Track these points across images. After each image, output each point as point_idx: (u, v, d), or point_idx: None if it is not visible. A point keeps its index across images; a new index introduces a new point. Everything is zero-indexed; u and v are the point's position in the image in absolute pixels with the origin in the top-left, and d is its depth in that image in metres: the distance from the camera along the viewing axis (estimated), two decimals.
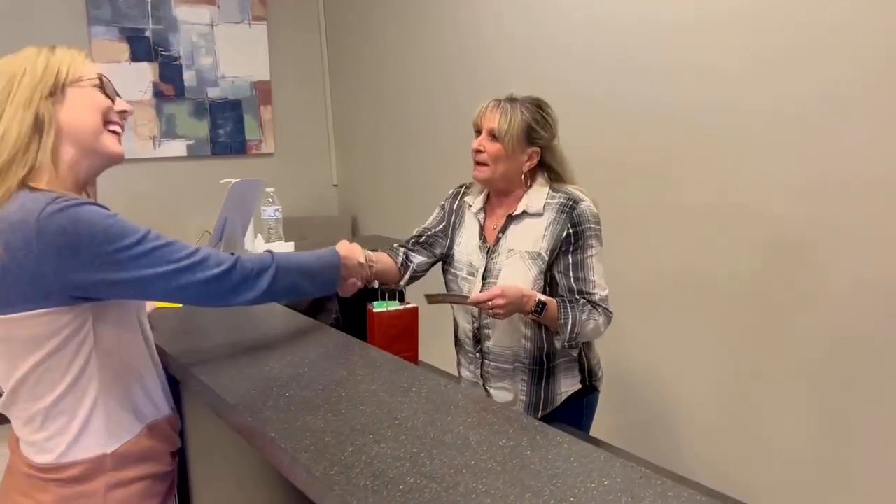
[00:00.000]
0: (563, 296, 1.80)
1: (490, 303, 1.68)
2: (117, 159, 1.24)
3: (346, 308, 2.67)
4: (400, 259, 1.99)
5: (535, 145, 1.81)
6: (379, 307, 2.06)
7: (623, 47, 2.58)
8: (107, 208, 1.15)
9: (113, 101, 1.24)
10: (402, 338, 2.11)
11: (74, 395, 1.16)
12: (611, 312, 1.80)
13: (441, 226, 2.02)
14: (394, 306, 2.09)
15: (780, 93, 2.11)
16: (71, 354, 1.14)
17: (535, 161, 1.82)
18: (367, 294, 2.13)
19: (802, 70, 2.05)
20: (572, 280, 1.78)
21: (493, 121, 1.79)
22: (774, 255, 2.18)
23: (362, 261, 1.67)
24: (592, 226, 1.78)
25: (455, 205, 2.01)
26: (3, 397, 1.18)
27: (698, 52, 2.32)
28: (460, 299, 1.83)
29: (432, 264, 2.02)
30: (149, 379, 1.28)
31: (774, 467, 2.25)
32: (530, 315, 1.74)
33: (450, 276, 1.98)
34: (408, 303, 2.13)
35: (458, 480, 0.91)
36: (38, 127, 1.13)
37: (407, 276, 1.99)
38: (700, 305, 2.42)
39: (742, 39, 2.19)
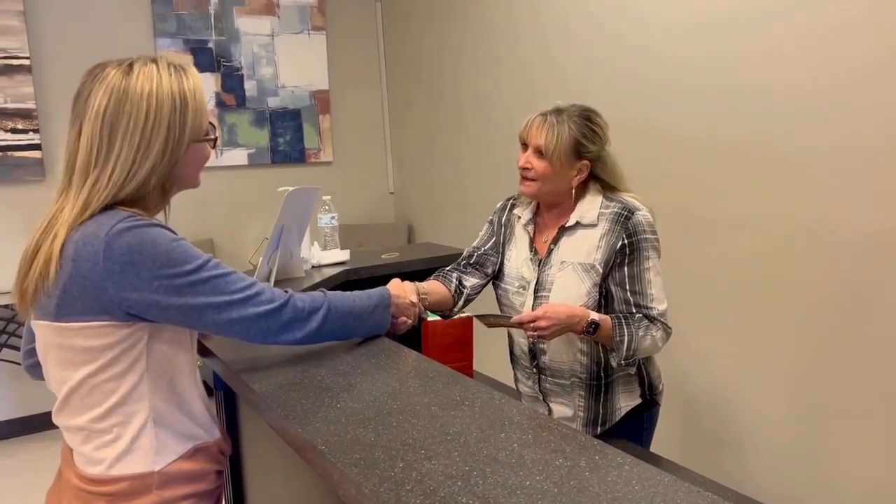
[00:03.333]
0: (618, 310, 1.73)
1: (533, 324, 1.62)
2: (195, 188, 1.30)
3: None
4: (453, 285, 1.94)
5: (584, 159, 1.74)
6: (433, 316, 2.03)
7: (696, 48, 2.50)
8: (174, 232, 1.17)
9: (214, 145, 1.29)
10: (457, 347, 2.07)
11: (125, 410, 1.16)
12: (669, 328, 1.72)
13: (491, 242, 1.97)
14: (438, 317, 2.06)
15: (854, 105, 2.01)
16: (123, 369, 1.15)
17: (584, 174, 1.76)
18: None
19: (873, 87, 1.95)
20: (629, 293, 1.70)
21: (540, 137, 1.72)
22: (847, 267, 2.07)
23: (414, 299, 1.65)
24: (649, 236, 1.70)
25: (504, 218, 1.97)
26: (56, 404, 1.20)
27: (772, 68, 2.23)
28: (503, 320, 1.76)
29: (485, 284, 1.98)
30: (197, 402, 1.27)
31: (849, 495, 2.13)
32: (582, 335, 1.68)
33: (500, 292, 1.94)
34: (463, 312, 2.09)
35: (513, 503, 0.87)
36: (164, 190, 1.20)
37: (461, 302, 1.94)
38: (769, 318, 2.31)
39: (815, 59, 2.10)
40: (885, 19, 1.92)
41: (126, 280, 1.09)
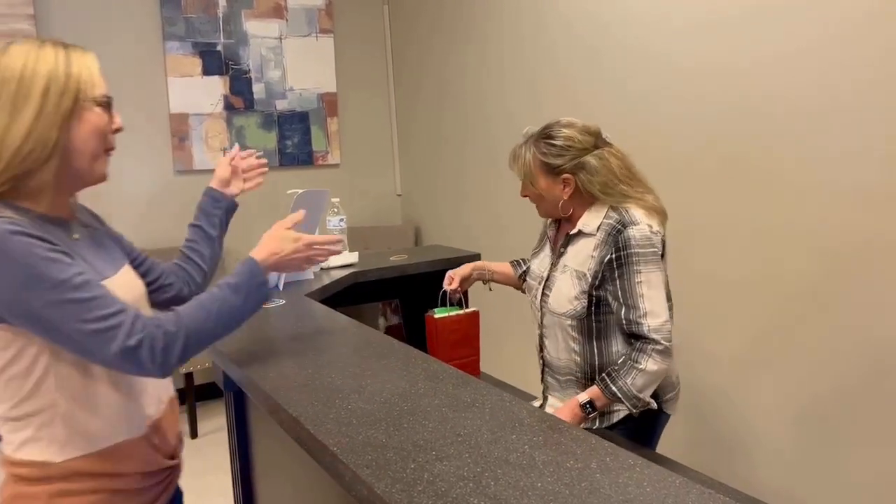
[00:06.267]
0: (618, 324, 1.75)
1: None
2: (101, 182, 1.22)
3: (409, 315, 2.67)
4: (521, 270, 2.13)
5: (562, 173, 1.77)
6: (440, 313, 2.04)
7: (696, 53, 2.50)
8: (49, 241, 1.09)
9: (113, 119, 1.21)
10: (464, 343, 2.09)
11: (32, 403, 1.14)
12: (663, 343, 1.69)
13: (539, 246, 2.06)
14: (454, 312, 2.07)
15: (859, 111, 2.00)
16: (25, 367, 1.12)
17: (571, 186, 1.78)
18: (430, 301, 2.12)
19: (878, 93, 1.95)
20: (622, 306, 1.72)
21: (514, 170, 1.85)
22: (855, 270, 2.07)
23: (291, 233, 1.45)
24: (640, 250, 1.70)
25: (546, 223, 2.05)
26: None
27: (777, 73, 2.23)
28: None
29: None
30: (110, 402, 1.20)
31: (854, 497, 2.12)
32: (588, 414, 1.75)
33: (526, 284, 2.04)
34: (468, 307, 2.10)
35: None
36: (54, 149, 1.11)
37: (524, 286, 2.09)
38: (776, 320, 2.31)
39: (819, 65, 2.10)
40: (889, 24, 1.92)
41: None
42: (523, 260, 2.16)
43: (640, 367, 1.68)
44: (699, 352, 2.54)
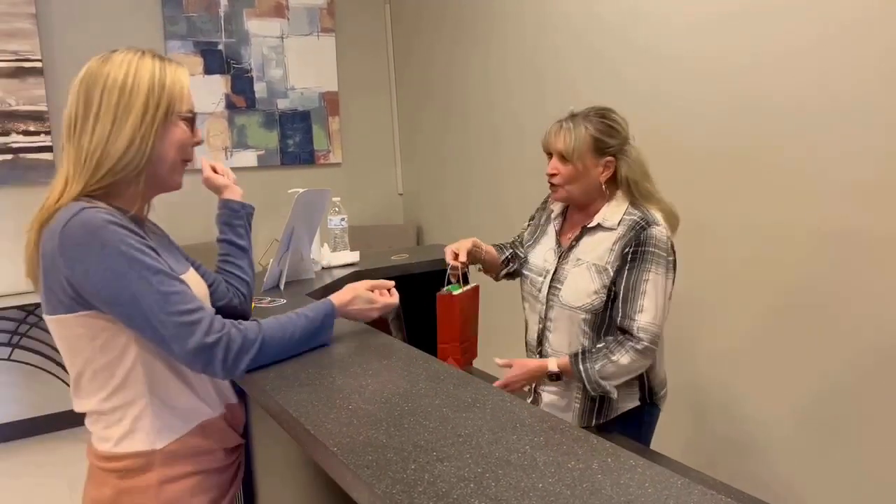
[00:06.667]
0: (613, 315, 1.76)
1: (507, 380, 1.78)
2: (177, 189, 1.28)
3: (409, 315, 2.66)
4: (504, 256, 2.09)
5: (606, 155, 1.78)
6: (455, 290, 1.98)
7: (698, 52, 2.49)
8: (139, 234, 1.15)
9: (195, 134, 1.27)
10: (471, 320, 2.06)
11: (125, 393, 1.18)
12: (643, 343, 1.70)
13: (533, 238, 2.05)
14: (461, 289, 2.02)
15: (863, 110, 2.00)
16: (116, 355, 1.17)
17: (611, 170, 1.79)
18: (430, 300, 2.10)
19: (882, 92, 1.94)
20: (620, 298, 1.74)
21: (559, 142, 1.79)
22: (859, 271, 2.06)
23: (369, 295, 1.55)
24: (656, 251, 1.72)
25: (542, 214, 2.04)
26: (70, 388, 1.23)
27: (781, 71, 2.22)
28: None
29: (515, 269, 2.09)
30: (197, 379, 1.28)
31: (857, 497, 2.12)
32: (551, 380, 1.82)
33: (523, 276, 2.02)
34: (469, 284, 2.07)
35: None
36: (149, 159, 1.18)
37: (503, 273, 2.10)
38: (778, 320, 2.30)
39: (816, 71, 2.09)
40: (889, 23, 1.91)
41: (76, 278, 1.10)
42: (504, 245, 2.13)
43: (613, 358, 1.71)
44: (700, 350, 2.54)
